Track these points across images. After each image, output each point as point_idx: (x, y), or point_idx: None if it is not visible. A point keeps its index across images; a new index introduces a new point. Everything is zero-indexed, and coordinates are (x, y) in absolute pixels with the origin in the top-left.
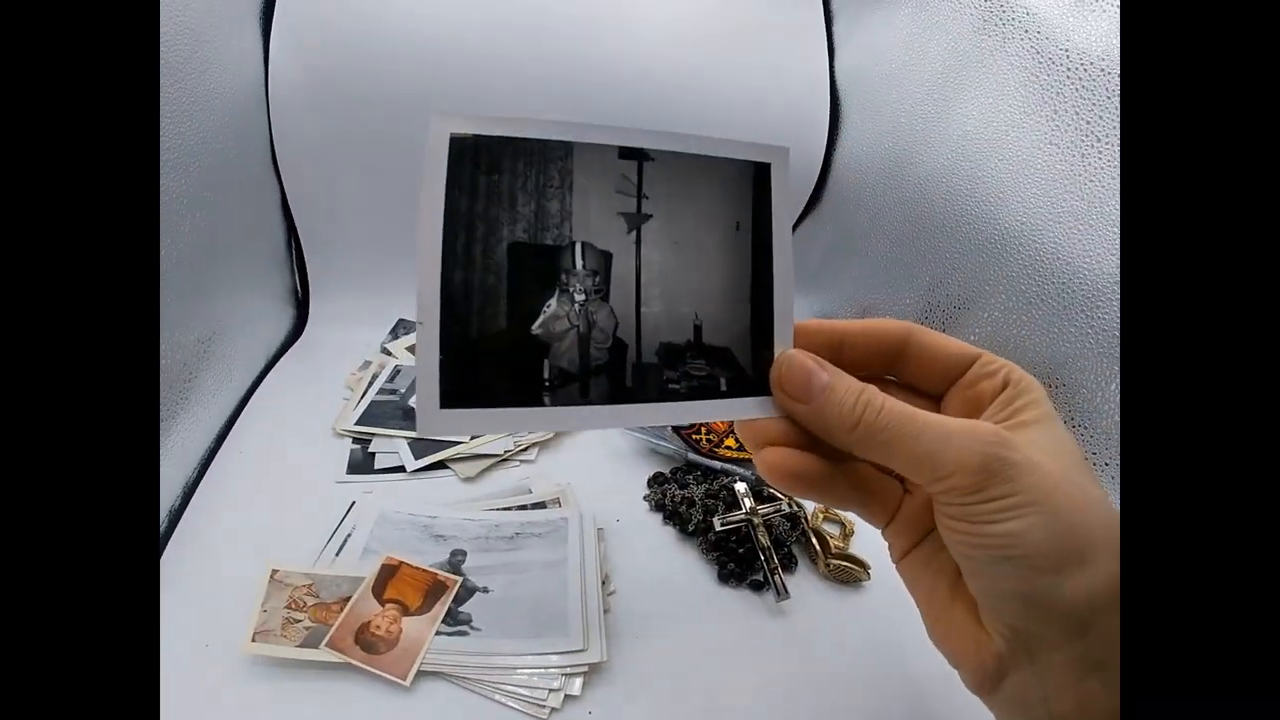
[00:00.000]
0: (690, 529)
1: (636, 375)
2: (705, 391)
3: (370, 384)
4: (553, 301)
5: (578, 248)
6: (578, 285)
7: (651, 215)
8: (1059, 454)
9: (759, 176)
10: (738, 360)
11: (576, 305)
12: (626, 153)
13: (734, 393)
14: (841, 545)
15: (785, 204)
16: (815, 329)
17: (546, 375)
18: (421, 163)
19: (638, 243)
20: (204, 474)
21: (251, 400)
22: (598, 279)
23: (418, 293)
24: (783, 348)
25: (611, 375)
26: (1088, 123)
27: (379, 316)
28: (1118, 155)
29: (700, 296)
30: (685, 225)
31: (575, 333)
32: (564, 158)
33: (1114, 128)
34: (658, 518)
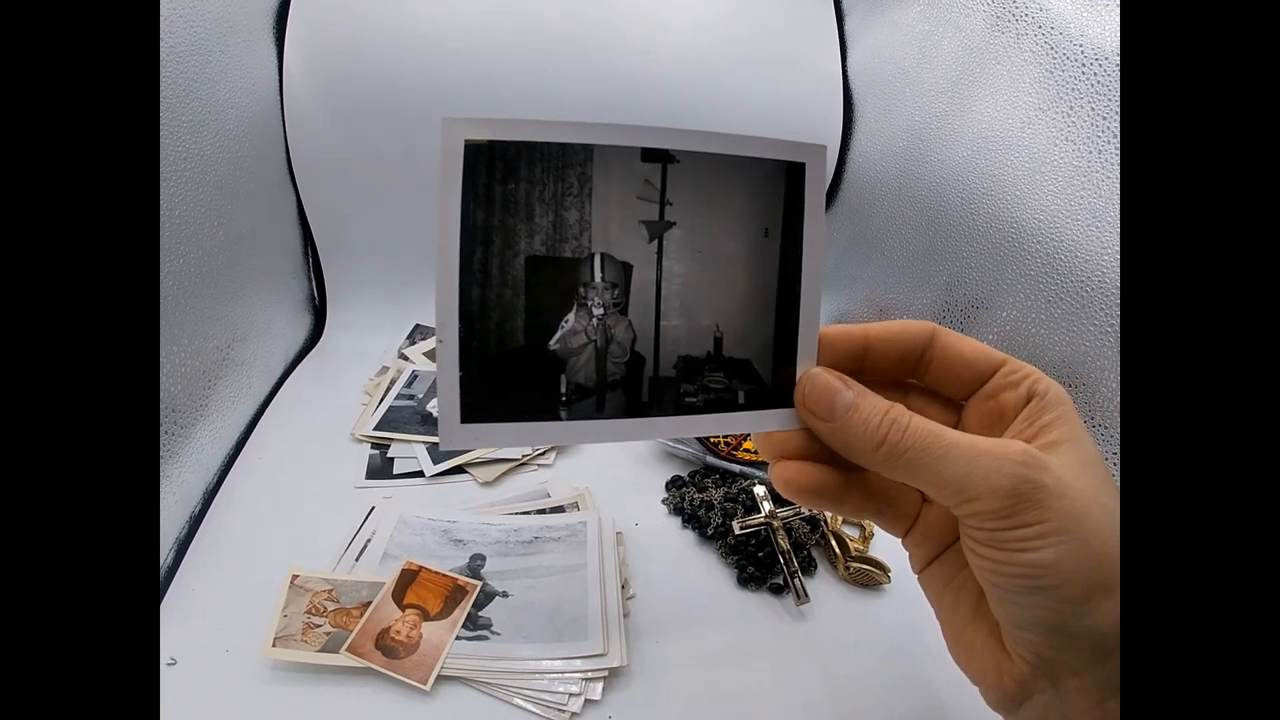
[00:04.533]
0: (709, 532)
1: (653, 389)
2: (722, 404)
3: (388, 389)
4: (570, 317)
5: (596, 260)
6: (595, 299)
7: (674, 223)
8: (1088, 475)
9: (792, 178)
10: (758, 372)
11: (594, 320)
12: (650, 155)
13: (752, 405)
14: (861, 548)
15: (819, 208)
16: (839, 337)
17: (563, 390)
18: (437, 173)
19: (660, 253)
20: (224, 480)
21: (270, 406)
22: (616, 292)
23: (436, 309)
24: (807, 364)
25: (628, 389)
26: (1103, 118)
27: (396, 322)
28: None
29: (723, 308)
30: (710, 233)
31: (592, 348)
32: (584, 162)
33: None
34: (676, 521)
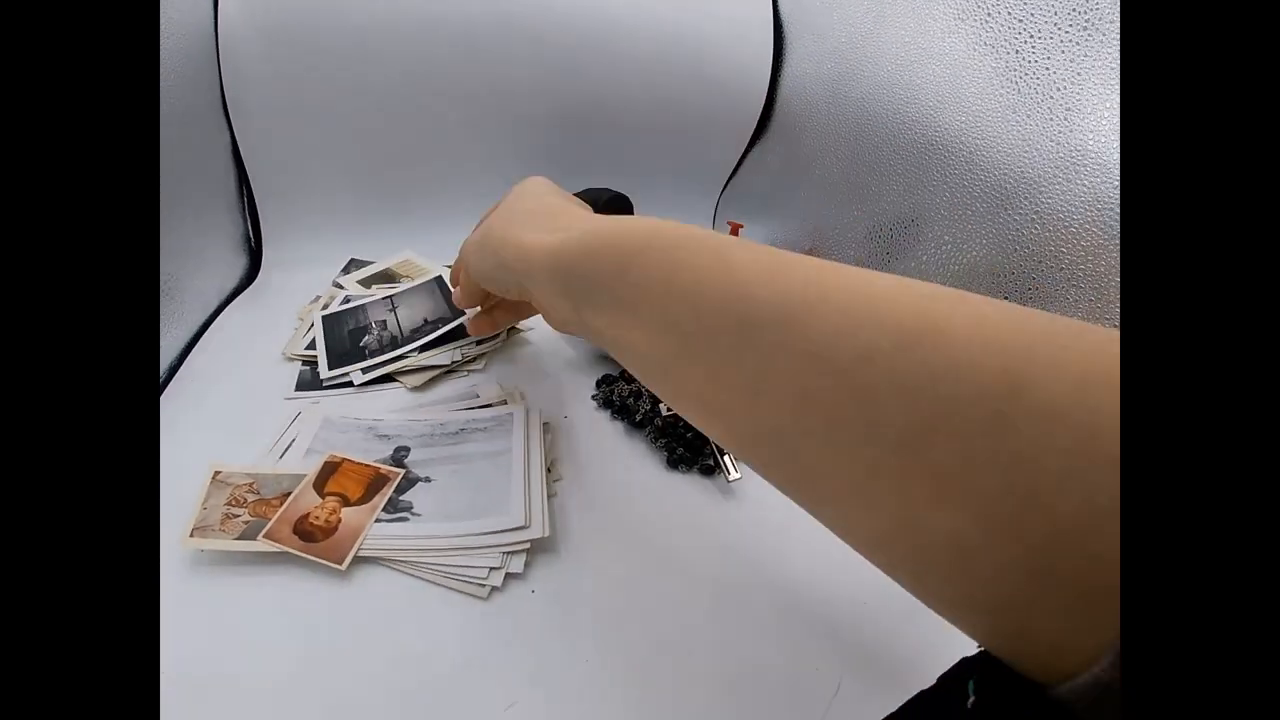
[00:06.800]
0: (638, 418)
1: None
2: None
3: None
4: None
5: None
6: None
7: None
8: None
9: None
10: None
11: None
12: None
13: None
14: None
15: None
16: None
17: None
18: None
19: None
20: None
21: (203, 339)
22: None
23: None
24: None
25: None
26: (1019, 20)
27: (331, 258)
28: (1052, 49)
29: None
30: None
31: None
32: None
33: (1048, 24)
34: (606, 414)
